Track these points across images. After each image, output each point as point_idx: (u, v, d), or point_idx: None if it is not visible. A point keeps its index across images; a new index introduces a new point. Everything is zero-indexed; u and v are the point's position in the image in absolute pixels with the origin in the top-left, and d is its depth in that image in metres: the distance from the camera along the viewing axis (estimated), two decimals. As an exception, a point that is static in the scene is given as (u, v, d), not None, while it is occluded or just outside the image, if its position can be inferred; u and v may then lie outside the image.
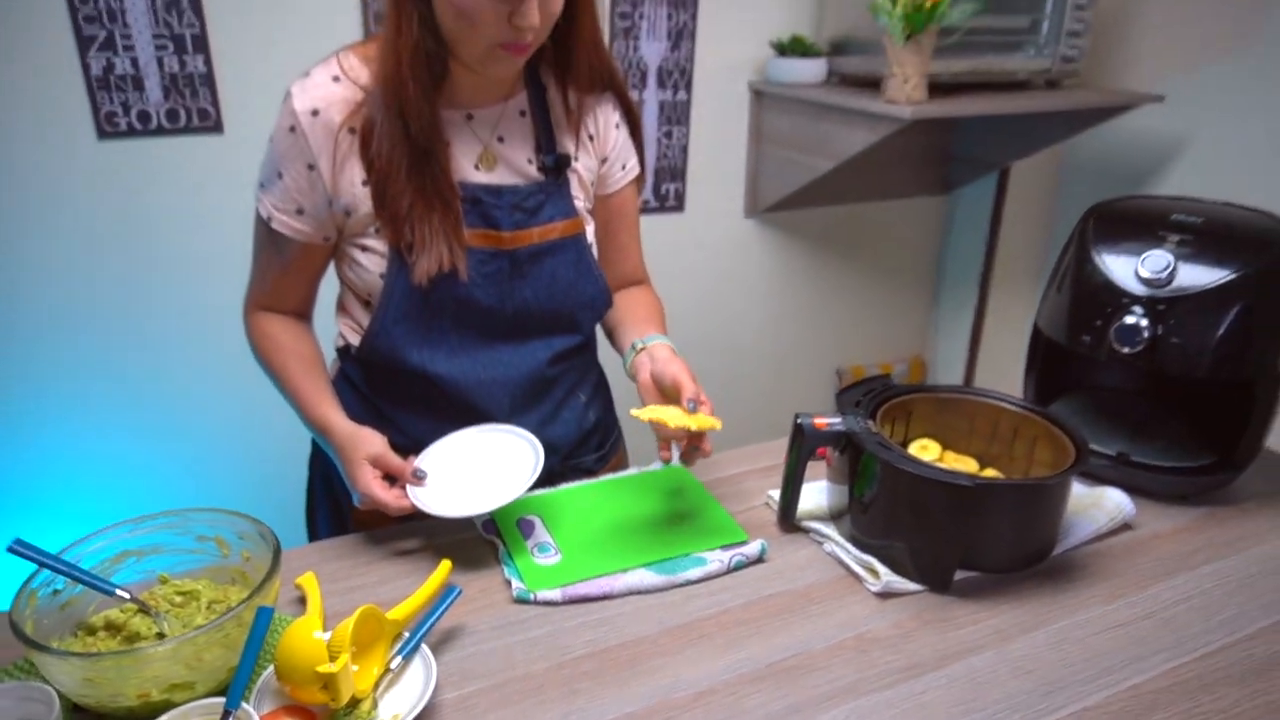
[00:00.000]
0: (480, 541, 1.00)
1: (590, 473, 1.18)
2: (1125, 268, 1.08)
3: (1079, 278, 1.12)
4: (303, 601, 0.89)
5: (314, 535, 1.19)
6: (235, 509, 0.86)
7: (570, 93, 1.05)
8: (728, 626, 0.88)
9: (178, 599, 0.84)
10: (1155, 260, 1.06)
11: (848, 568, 0.97)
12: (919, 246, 2.59)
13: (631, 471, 1.15)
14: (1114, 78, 2.23)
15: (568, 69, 1.03)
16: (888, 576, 0.93)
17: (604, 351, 1.20)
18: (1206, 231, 1.07)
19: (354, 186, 0.97)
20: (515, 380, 1.08)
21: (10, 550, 0.77)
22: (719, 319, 2.34)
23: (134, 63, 1.60)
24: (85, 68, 1.57)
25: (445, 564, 0.91)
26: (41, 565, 0.77)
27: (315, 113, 0.95)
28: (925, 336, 2.73)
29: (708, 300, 2.29)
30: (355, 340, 1.07)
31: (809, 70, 2.00)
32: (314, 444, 1.19)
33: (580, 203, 1.08)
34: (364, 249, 1.01)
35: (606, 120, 1.09)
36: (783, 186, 2.13)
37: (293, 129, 0.96)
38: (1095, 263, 1.11)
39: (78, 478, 1.82)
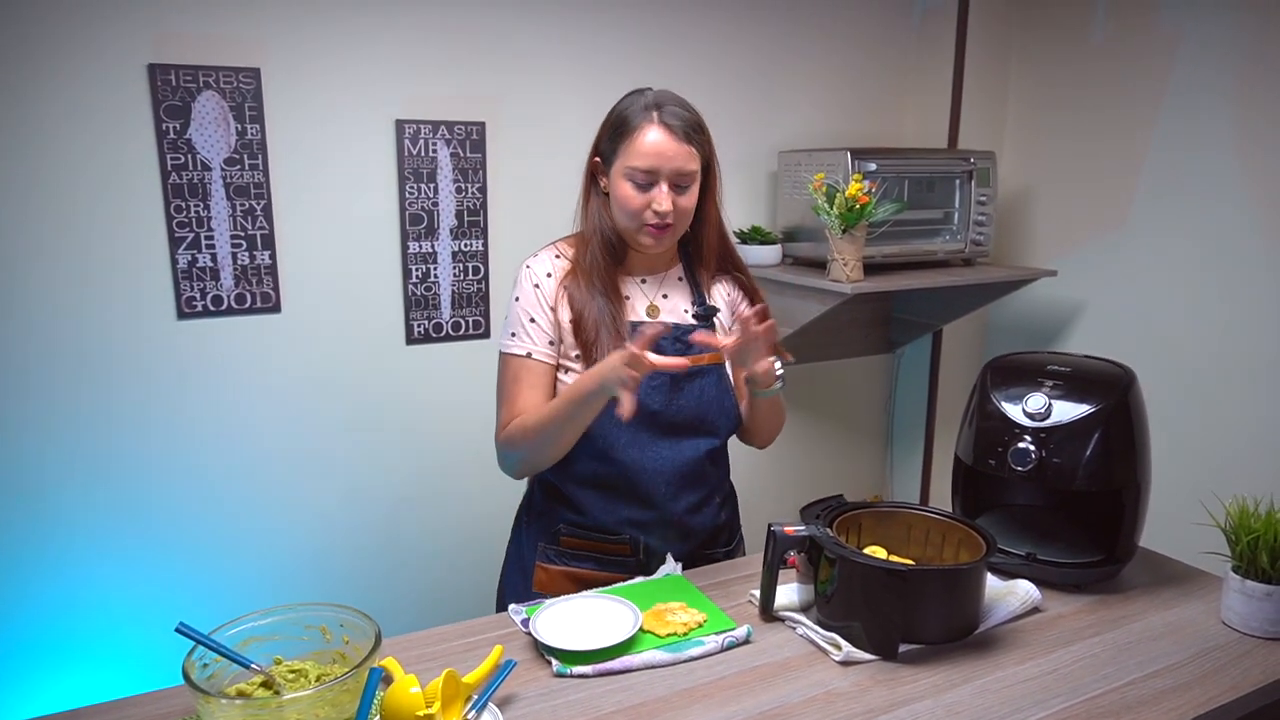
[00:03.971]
0: (520, 634, 1.24)
1: (714, 562, 1.51)
2: (1014, 407, 1.40)
3: (982, 415, 1.44)
4: (385, 680, 1.11)
5: (502, 598, 1.57)
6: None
7: (712, 270, 1.52)
8: (724, 689, 1.12)
9: (290, 675, 1.07)
10: (1035, 400, 1.38)
11: (816, 644, 1.22)
12: (871, 398, 2.94)
13: (639, 580, 1.40)
14: (1018, 255, 2.68)
15: (706, 258, 1.51)
16: (848, 649, 1.18)
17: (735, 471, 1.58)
18: (1072, 378, 1.41)
19: (565, 324, 1.43)
20: (670, 471, 1.43)
21: (176, 631, 1.00)
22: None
23: (213, 257, 1.94)
24: (174, 262, 1.91)
25: (498, 648, 1.15)
26: (199, 643, 1.01)
27: (549, 275, 1.45)
28: (882, 476, 3.03)
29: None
30: None
31: (767, 253, 2.38)
32: (513, 531, 1.59)
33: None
34: (566, 370, 1.44)
35: (735, 294, 1.55)
36: (750, 348, 2.48)
37: (537, 286, 1.44)
38: (993, 403, 1.43)
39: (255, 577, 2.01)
